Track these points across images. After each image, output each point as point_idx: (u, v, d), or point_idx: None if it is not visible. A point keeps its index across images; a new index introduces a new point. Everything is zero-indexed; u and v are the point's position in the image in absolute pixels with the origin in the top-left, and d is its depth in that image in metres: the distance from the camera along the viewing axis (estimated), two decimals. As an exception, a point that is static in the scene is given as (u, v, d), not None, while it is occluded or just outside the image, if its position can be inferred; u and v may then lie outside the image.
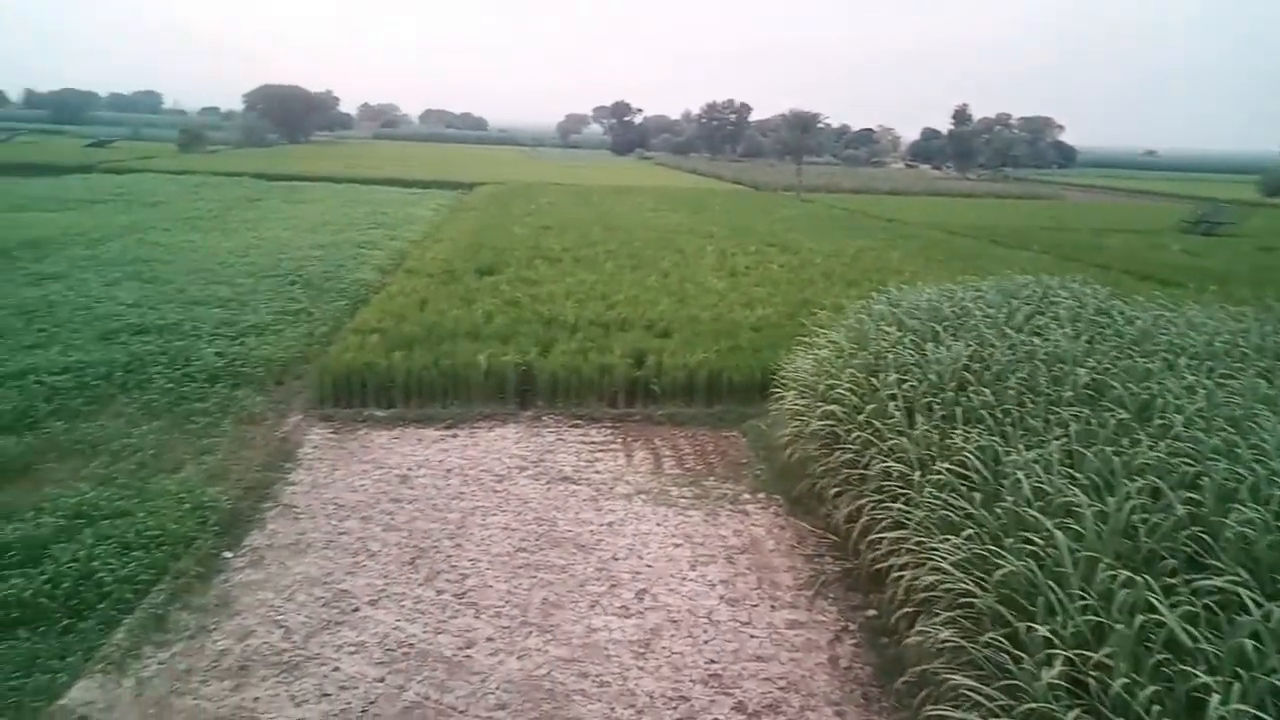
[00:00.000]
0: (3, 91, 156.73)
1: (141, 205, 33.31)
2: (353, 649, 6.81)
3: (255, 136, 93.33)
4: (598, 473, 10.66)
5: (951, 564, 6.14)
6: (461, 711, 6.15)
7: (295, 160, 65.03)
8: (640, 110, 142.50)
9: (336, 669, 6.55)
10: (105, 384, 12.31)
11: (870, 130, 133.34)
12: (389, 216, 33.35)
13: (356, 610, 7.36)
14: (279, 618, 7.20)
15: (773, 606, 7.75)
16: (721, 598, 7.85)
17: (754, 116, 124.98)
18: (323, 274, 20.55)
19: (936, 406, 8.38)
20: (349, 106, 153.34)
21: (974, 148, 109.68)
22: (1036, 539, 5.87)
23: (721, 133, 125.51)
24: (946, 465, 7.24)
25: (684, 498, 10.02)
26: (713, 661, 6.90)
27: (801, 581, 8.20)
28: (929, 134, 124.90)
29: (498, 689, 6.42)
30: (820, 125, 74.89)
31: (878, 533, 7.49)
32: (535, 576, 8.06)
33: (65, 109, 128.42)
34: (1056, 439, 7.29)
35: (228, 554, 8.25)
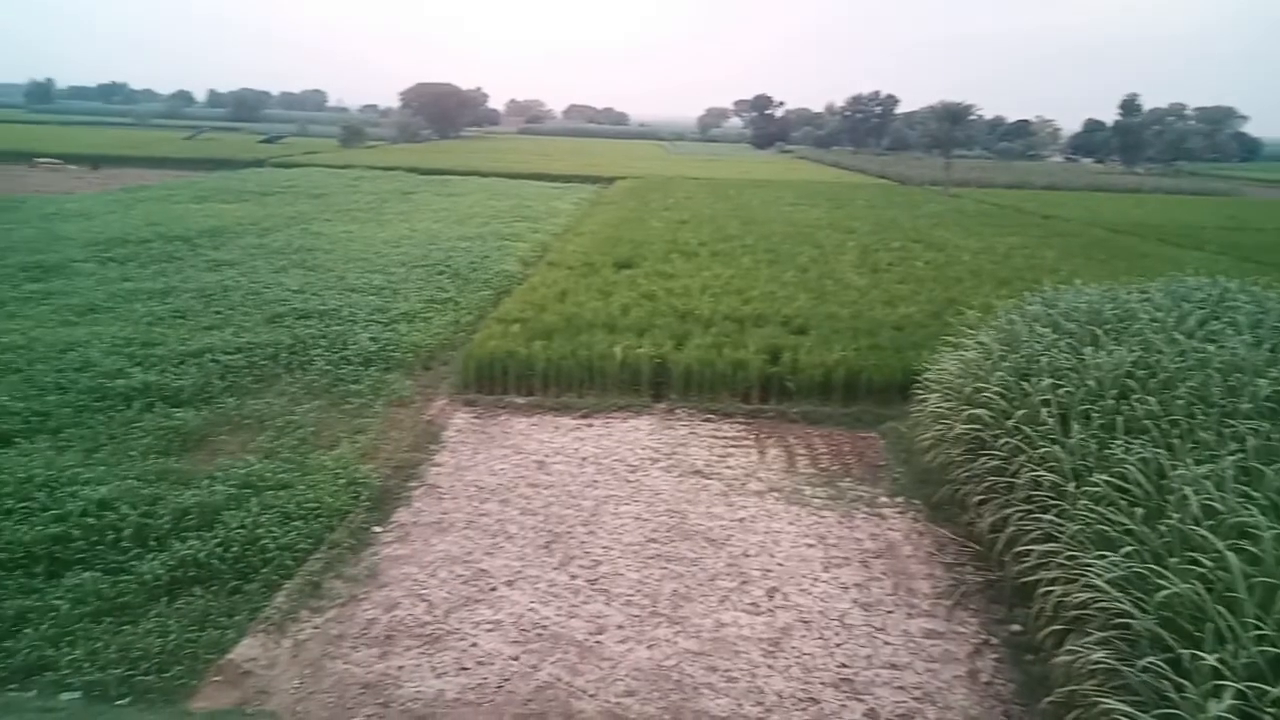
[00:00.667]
0: (189, 92, 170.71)
1: (306, 197, 35.54)
2: (490, 627, 7.06)
3: (409, 132, 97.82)
4: (729, 468, 10.63)
5: (1107, 581, 5.78)
6: (591, 695, 6.27)
7: (446, 155, 67.81)
8: (782, 103, 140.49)
9: (474, 645, 6.81)
10: (271, 364, 13.22)
11: (1026, 122, 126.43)
12: (532, 210, 34.28)
13: (494, 590, 7.62)
14: (422, 592, 7.55)
15: (909, 614, 7.51)
16: (855, 601, 7.67)
17: (901, 109, 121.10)
18: (469, 265, 21.34)
19: (1094, 414, 7.89)
20: (497, 103, 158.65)
21: (1143, 140, 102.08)
22: (1205, 560, 5.44)
23: (866, 125, 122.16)
24: (1104, 477, 6.81)
25: (818, 498, 9.85)
26: (845, 665, 6.76)
27: (940, 590, 7.91)
28: (1092, 126, 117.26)
29: (627, 676, 6.51)
30: (972, 117, 71.59)
31: (1025, 544, 7.14)
32: (666, 568, 8.12)
33: (243, 107, 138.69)
34: (1231, 454, 6.72)
35: (377, 529, 8.71)
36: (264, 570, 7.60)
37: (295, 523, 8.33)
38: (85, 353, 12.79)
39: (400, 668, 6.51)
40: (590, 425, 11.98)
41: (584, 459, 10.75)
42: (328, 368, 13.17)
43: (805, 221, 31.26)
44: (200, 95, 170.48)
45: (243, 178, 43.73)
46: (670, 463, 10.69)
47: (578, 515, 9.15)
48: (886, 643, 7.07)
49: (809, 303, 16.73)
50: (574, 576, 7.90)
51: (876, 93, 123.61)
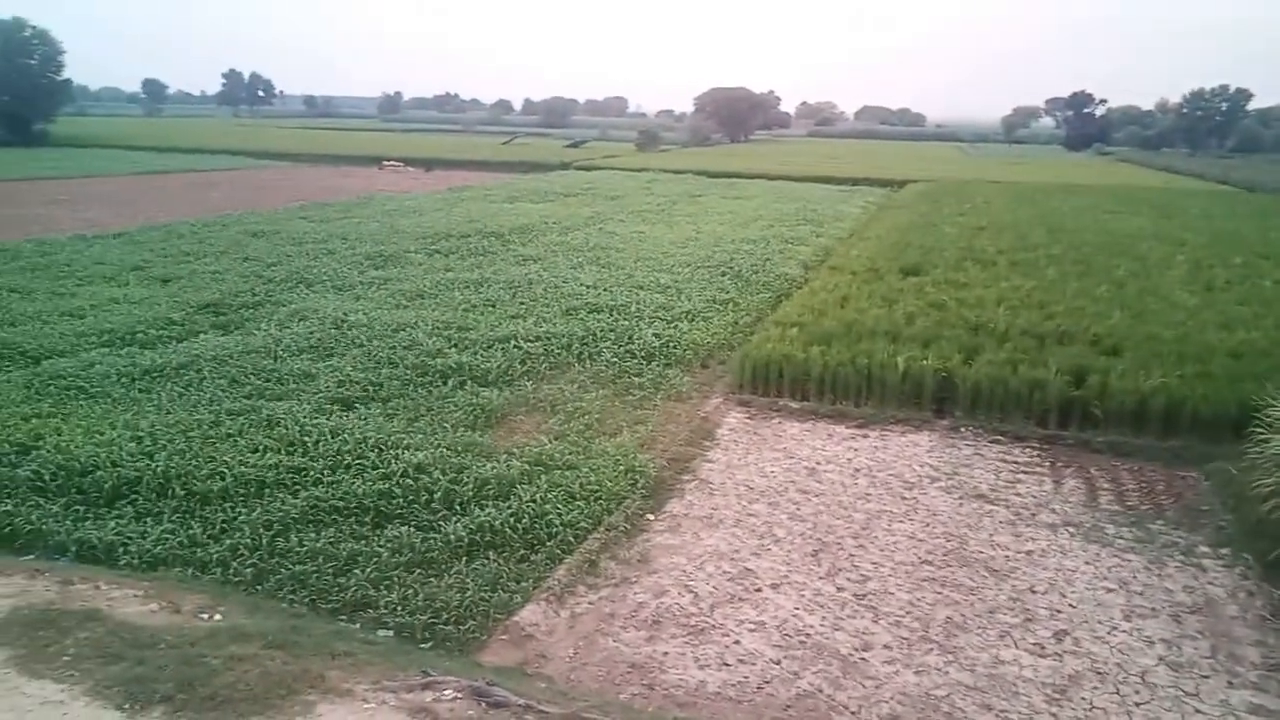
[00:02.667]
0: (509, 100, 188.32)
1: (603, 199, 37.75)
2: (753, 627, 7.08)
3: (701, 136, 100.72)
4: (1018, 495, 9.84)
5: None
6: (853, 712, 6.09)
7: (734, 158, 68.98)
8: (1103, 101, 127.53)
9: (737, 642, 6.86)
10: (565, 353, 14.19)
11: None
12: (817, 213, 33.93)
13: (759, 590, 7.64)
14: (690, 583, 7.74)
15: (1230, 682, 6.52)
16: (1162, 659, 6.80)
17: (1254, 104, 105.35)
18: (751, 267, 21.55)
19: None
20: (788, 106, 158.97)
21: None
22: None
23: (1207, 125, 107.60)
24: None
25: (1122, 538, 8.84)
26: (1144, 730, 6.01)
27: (1275, 662, 6.79)
28: None
29: (892, 699, 6.24)
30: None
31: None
32: (940, 593, 7.69)
33: (552, 114, 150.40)
34: None
35: (650, 516, 9.05)
36: (549, 543, 8.18)
37: (578, 502, 8.88)
38: (413, 333, 14.50)
39: (665, 654, 6.71)
40: (865, 436, 11.64)
41: (857, 470, 10.46)
42: (614, 360, 13.89)
43: (1124, 231, 28.16)
44: (517, 104, 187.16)
45: (549, 180, 47.35)
46: (951, 483, 10.11)
47: (847, 527, 8.92)
48: (1199, 711, 6.19)
49: (1124, 321, 15.05)
50: (840, 589, 7.71)
51: (1224, 87, 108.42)
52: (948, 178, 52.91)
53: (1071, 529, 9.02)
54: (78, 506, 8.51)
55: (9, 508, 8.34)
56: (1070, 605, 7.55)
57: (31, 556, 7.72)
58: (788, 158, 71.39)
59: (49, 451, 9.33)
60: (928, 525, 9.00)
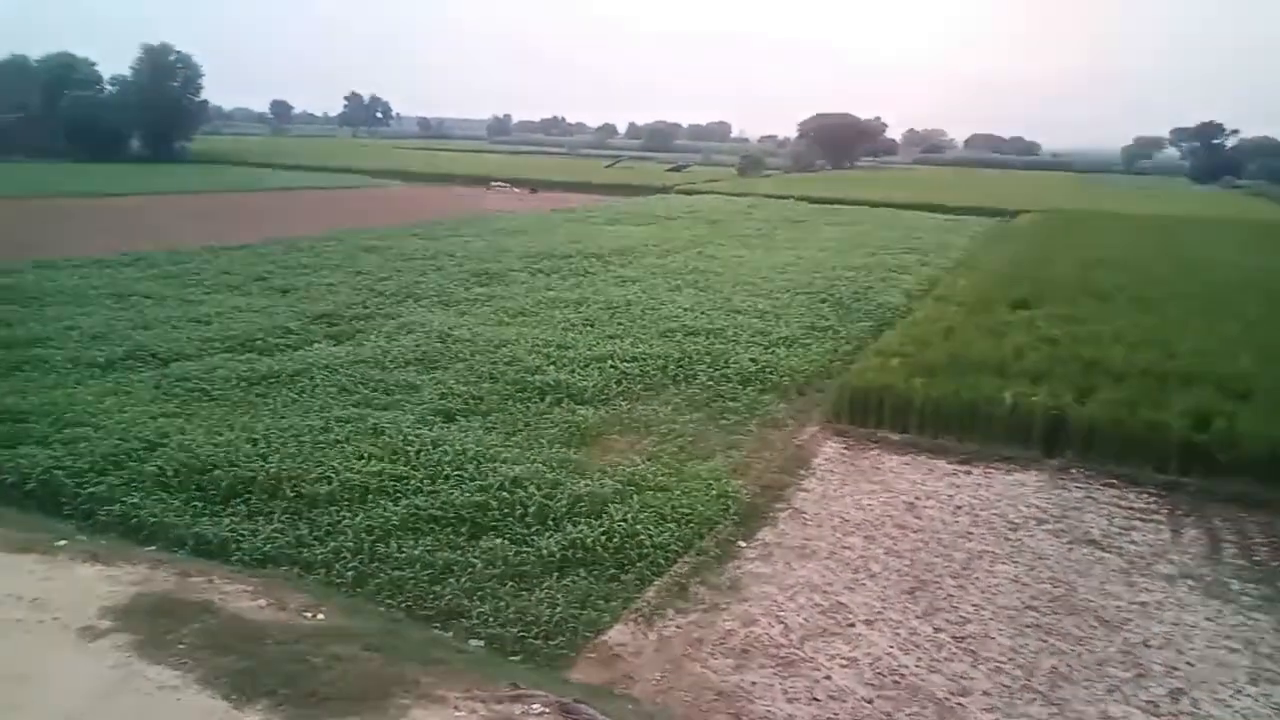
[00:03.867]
0: (614, 124, 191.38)
1: (703, 223, 37.86)
2: (844, 663, 6.91)
3: (804, 161, 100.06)
4: (1133, 543, 9.33)
5: None
6: (947, 760, 5.86)
7: (838, 184, 68.18)
8: (1234, 131, 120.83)
9: (828, 677, 6.71)
10: (660, 375, 14.24)
11: None
12: (922, 242, 33.21)
13: (852, 626, 7.45)
14: (780, 614, 7.61)
15: (1371, 762, 6.01)
16: (1291, 730, 6.31)
17: None
18: (852, 294, 21.23)
19: None
20: (895, 132, 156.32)
21: None
22: None
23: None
24: None
25: (1248, 595, 8.27)
26: (1271, 805, 5.59)
27: None
28: None
29: (989, 749, 5.98)
30: None
31: None
32: (1045, 641, 7.34)
33: (655, 138, 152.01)
34: None
35: (742, 543, 8.96)
36: (639, 564, 8.19)
37: (669, 524, 8.87)
38: (513, 349, 14.81)
39: (753, 684, 6.61)
40: (969, 473, 11.25)
41: (958, 507, 10.12)
42: (709, 383, 13.86)
43: (1259, 268, 26.54)
44: (622, 127, 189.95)
45: (650, 203, 47.81)
46: (1059, 526, 9.67)
47: (947, 565, 8.63)
48: (1335, 791, 5.72)
49: (1257, 364, 14.12)
50: (938, 629, 7.45)
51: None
52: (1063, 208, 50.94)
53: (1191, 582, 8.49)
54: (196, 502, 8.98)
55: (136, 500, 8.88)
56: (1188, 663, 7.10)
57: (153, 547, 8.18)
58: (893, 185, 70.18)
59: (173, 449, 9.90)
60: (1033, 569, 8.63)
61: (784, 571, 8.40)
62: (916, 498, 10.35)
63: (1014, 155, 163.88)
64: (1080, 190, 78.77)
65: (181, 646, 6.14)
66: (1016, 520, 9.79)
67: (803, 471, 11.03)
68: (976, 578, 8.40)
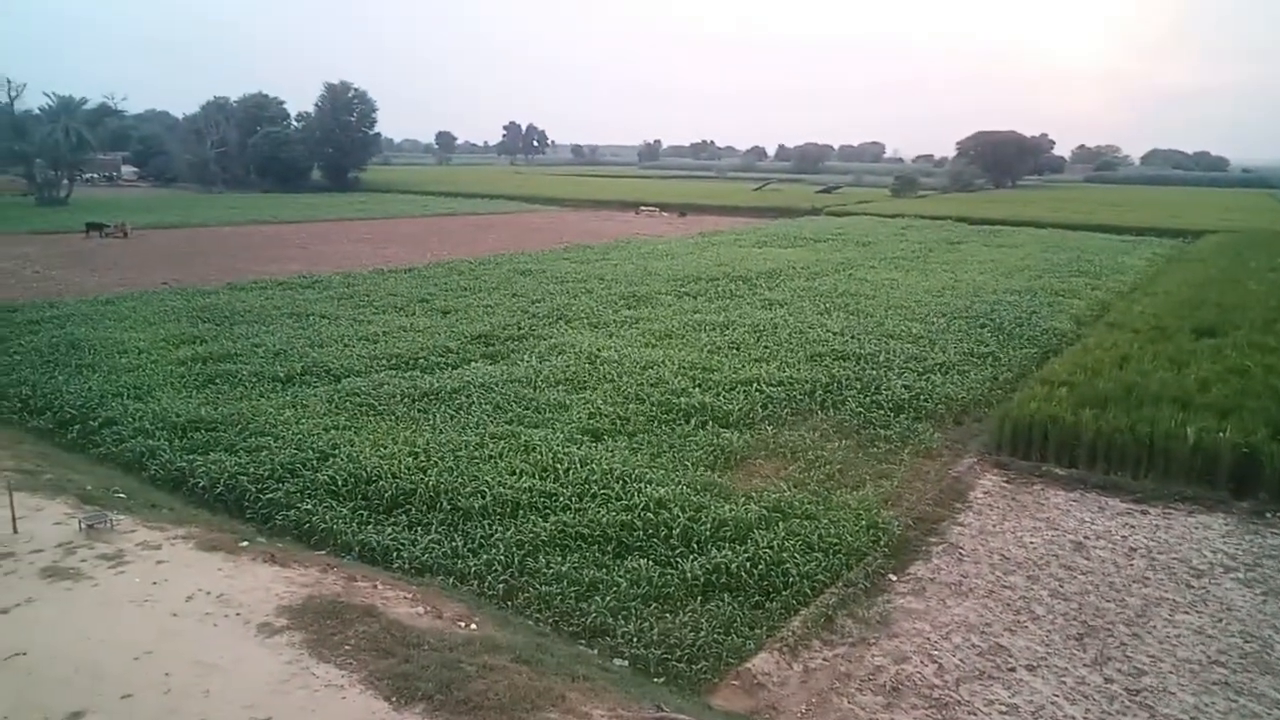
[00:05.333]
0: (763, 147, 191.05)
1: (854, 244, 37.07)
2: (1004, 710, 6.52)
3: (962, 181, 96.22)
4: (1342, 599, 8.37)
5: None
6: (1120, 825, 5.41)
7: (999, 204, 65.24)
8: None
9: (985, 724, 6.35)
10: (808, 400, 13.99)
11: None
12: (1093, 265, 31.23)
13: (1012, 670, 7.03)
14: (934, 653, 7.28)
15: None
16: None
17: None
18: (1014, 319, 20.19)
19: None
20: (1063, 149, 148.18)
21: None
22: None
23: None
24: None
25: None
26: None
27: None
28: None
29: (1169, 817, 5.49)
30: None
31: None
32: (1235, 701, 6.68)
33: (805, 160, 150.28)
34: None
35: (892, 577, 8.64)
36: (784, 592, 8.04)
37: (816, 554, 8.67)
38: (659, 371, 14.94)
39: (903, 725, 6.35)
40: (1144, 513, 10.44)
41: (1133, 549, 9.40)
42: (859, 409, 13.50)
43: None
44: (771, 150, 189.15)
45: (799, 225, 47.27)
46: (1251, 575, 8.80)
47: (1120, 612, 8.02)
48: None
49: None
50: (1109, 680, 6.92)
51: None
52: (1256, 228, 46.71)
53: None
54: (362, 511, 9.54)
55: (309, 507, 9.52)
56: None
57: (324, 551, 8.73)
58: (1060, 204, 66.42)
59: (342, 460, 10.55)
60: (1220, 621, 7.89)
61: (938, 608, 8.04)
62: (1085, 537, 9.69)
63: (1198, 172, 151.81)
64: (1276, 208, 71.97)
65: (347, 647, 6.51)
66: (1201, 567, 8.99)
67: (959, 504, 10.55)
68: (1154, 626, 7.76)
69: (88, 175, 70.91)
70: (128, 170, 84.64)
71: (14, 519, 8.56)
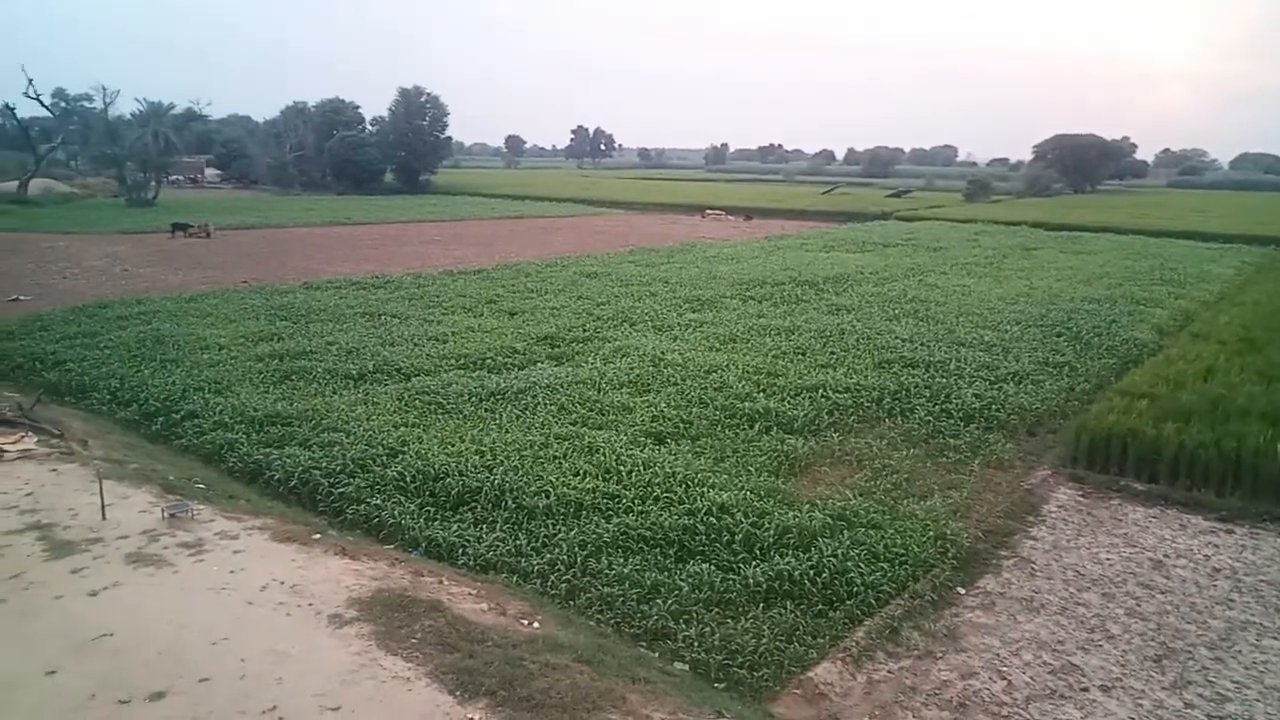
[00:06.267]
0: (832, 150, 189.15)
1: (924, 250, 36.38)
2: (1076, 730, 6.33)
3: (1038, 186, 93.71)
4: None
5: None
6: None
7: (1077, 209, 63.33)
8: None
9: (1055, 745, 6.17)
10: (875, 407, 13.77)
11: None
12: (1177, 272, 30.08)
13: (1085, 690, 6.81)
14: (1003, 669, 7.10)
15: None
16: None
17: None
18: (1092, 328, 19.57)
19: None
20: (1146, 153, 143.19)
21: None
22: None
23: None
24: None
25: None
26: None
27: None
28: None
29: None
30: None
31: None
32: (1326, 733, 6.36)
33: (875, 163, 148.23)
34: None
35: (960, 590, 8.46)
36: (848, 601, 7.93)
37: (881, 564, 8.53)
38: (723, 375, 14.88)
39: (970, 741, 6.21)
40: (1230, 532, 10.02)
41: (1216, 570, 9.02)
42: (928, 418, 13.24)
43: None
44: (840, 153, 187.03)
45: (868, 230, 46.62)
46: (1347, 601, 8.37)
47: (1201, 634, 7.70)
48: None
49: None
50: (1189, 705, 6.66)
51: None
52: (1354, 235, 44.44)
53: None
54: (429, 507, 9.71)
55: (379, 502, 9.74)
56: None
57: (392, 546, 8.93)
58: (1142, 210, 64.17)
59: (411, 457, 10.76)
60: (1312, 648, 7.52)
61: (1008, 624, 7.84)
62: (1165, 555, 9.35)
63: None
64: (1378, 214, 68.28)
65: (414, 641, 6.64)
66: (1291, 590, 8.58)
67: (1031, 518, 10.27)
68: (1239, 651, 7.44)
69: (174, 177, 73.83)
70: (211, 173, 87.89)
71: (103, 506, 8.96)
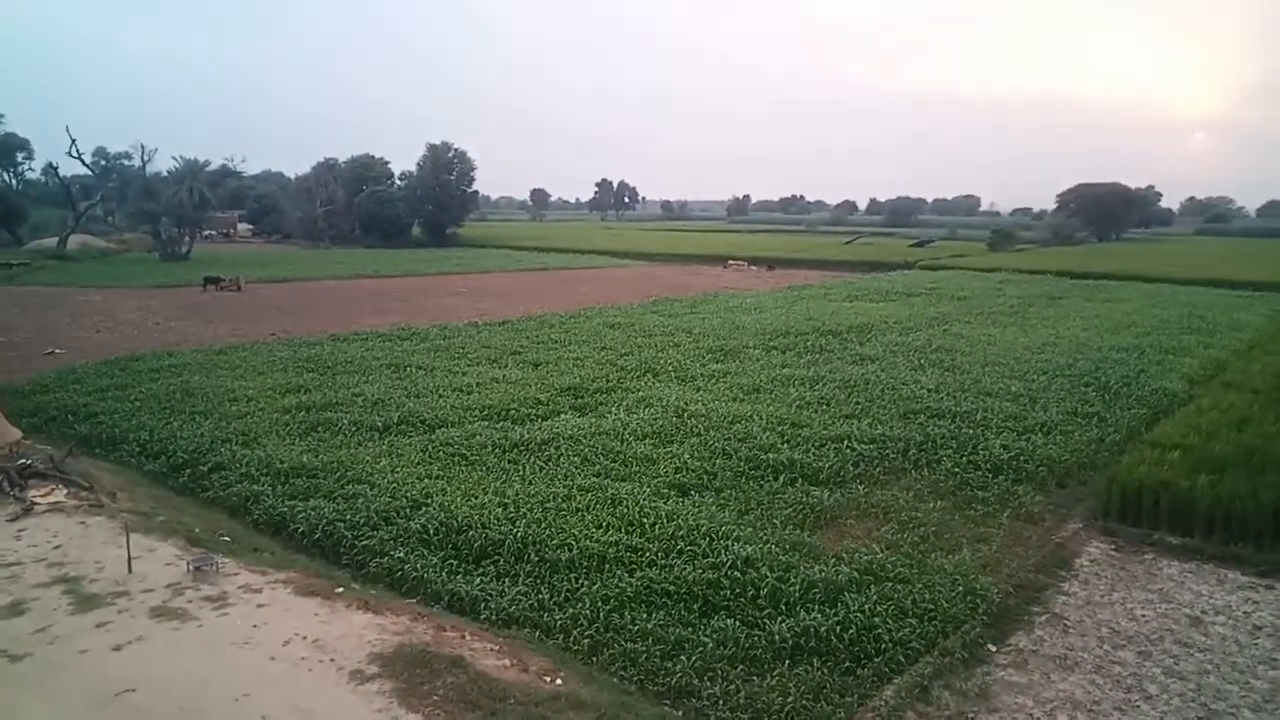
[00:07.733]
0: (854, 201, 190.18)
1: (949, 299, 36.27)
2: (1115, 797, 6.11)
3: (1063, 234, 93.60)
4: None
5: None
6: None
7: (1102, 258, 63.02)
8: None
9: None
10: (901, 459, 13.63)
11: None
12: (1205, 321, 29.75)
13: (1124, 754, 6.61)
14: (1037, 731, 6.90)
15: None
16: None
17: None
18: (1121, 378, 19.33)
19: None
20: (1171, 201, 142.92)
21: None
22: None
23: None
24: None
25: None
26: None
27: None
28: None
29: None
30: None
31: None
32: (1380, 802, 6.10)
33: (897, 213, 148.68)
34: None
35: (991, 647, 8.27)
36: (877, 659, 7.77)
37: (910, 619, 8.37)
38: (747, 426, 14.82)
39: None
40: (1270, 588, 9.74)
41: (1258, 627, 8.76)
42: (955, 469, 13.08)
43: None
44: (862, 204, 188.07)
45: (891, 279, 46.61)
46: (1396, 661, 8.08)
47: (1245, 695, 7.46)
48: None
49: None
50: (1234, 771, 6.42)
51: None
52: (1387, 282, 43.81)
53: None
54: (452, 560, 9.68)
55: (402, 554, 9.73)
56: None
57: (414, 600, 8.89)
58: (1169, 258, 63.74)
59: (434, 509, 10.77)
60: (1361, 711, 7.24)
61: (1041, 683, 7.63)
62: (1203, 612, 9.09)
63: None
64: None
65: (436, 698, 6.58)
66: (1336, 649, 8.30)
67: (1063, 572, 10.05)
68: (1284, 714, 7.18)
69: (207, 232, 75.61)
70: (243, 227, 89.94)
71: (129, 559, 9.02)
